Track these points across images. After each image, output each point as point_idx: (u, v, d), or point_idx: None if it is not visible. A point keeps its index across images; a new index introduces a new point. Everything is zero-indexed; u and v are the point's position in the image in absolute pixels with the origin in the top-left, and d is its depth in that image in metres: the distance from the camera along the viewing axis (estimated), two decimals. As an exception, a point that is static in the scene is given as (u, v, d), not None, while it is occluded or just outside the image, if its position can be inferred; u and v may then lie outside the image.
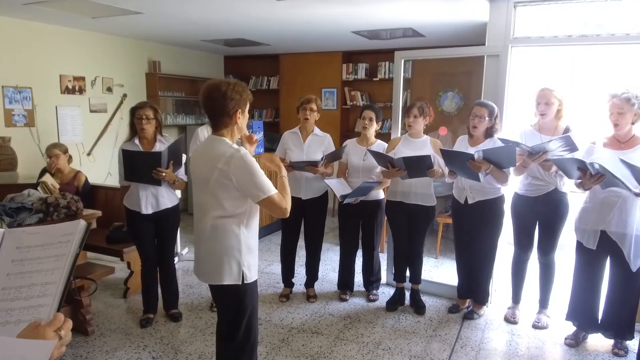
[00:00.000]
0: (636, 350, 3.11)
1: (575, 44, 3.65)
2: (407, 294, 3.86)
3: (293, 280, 4.05)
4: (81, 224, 1.14)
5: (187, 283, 4.30)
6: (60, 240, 1.14)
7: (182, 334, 3.37)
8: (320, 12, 4.39)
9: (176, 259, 4.67)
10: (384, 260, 4.28)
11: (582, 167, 2.73)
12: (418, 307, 3.73)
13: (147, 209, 3.28)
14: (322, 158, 3.54)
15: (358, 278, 4.14)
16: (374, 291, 4.00)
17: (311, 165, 3.50)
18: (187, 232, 5.71)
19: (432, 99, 5.93)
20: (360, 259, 4.02)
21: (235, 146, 2.03)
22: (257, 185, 1.99)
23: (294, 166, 3.53)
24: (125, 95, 5.92)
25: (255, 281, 2.20)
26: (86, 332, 3.30)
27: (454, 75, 5.76)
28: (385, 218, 3.86)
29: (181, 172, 3.35)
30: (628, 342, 3.11)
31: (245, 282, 2.11)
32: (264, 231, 5.70)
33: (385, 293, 4.03)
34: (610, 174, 2.61)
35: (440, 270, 4.71)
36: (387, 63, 6.54)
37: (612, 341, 3.14)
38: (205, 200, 2.09)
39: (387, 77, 6.55)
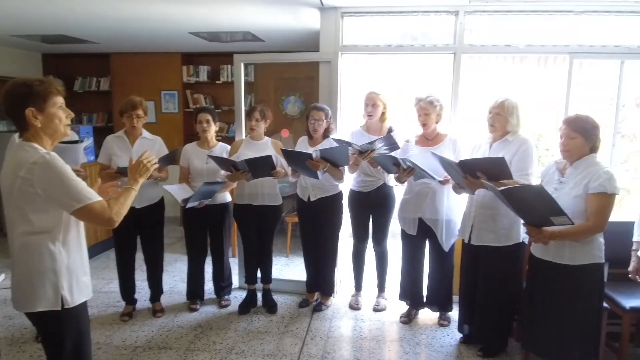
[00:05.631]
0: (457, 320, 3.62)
1: (394, 53, 4.09)
2: (260, 295, 3.90)
3: (136, 296, 3.76)
4: None
5: (6, 314, 3.68)
6: None
7: (-1, 375, 2.88)
8: (155, 10, 4.16)
9: (-11, 289, 3.99)
10: (235, 264, 4.25)
11: (397, 162, 3.12)
12: (270, 307, 3.78)
13: None
14: (156, 161, 3.32)
15: (209, 286, 4.03)
16: (226, 296, 3.93)
17: None
18: (1, 256, 4.91)
19: (276, 103, 6.09)
20: (210, 266, 3.92)
21: (43, 151, 1.77)
22: (70, 194, 1.74)
23: (122, 172, 3.25)
24: None
25: (83, 305, 1.94)
26: None
27: (296, 80, 5.99)
28: (234, 221, 3.84)
29: None
30: (450, 313, 3.59)
31: (65, 307, 1.84)
32: (100, 247, 5.18)
33: (237, 297, 3.99)
34: (419, 168, 3.04)
35: (291, 267, 4.85)
36: (229, 66, 6.48)
37: (437, 314, 3.60)
38: (11, 215, 1.81)
39: (230, 80, 6.47)
